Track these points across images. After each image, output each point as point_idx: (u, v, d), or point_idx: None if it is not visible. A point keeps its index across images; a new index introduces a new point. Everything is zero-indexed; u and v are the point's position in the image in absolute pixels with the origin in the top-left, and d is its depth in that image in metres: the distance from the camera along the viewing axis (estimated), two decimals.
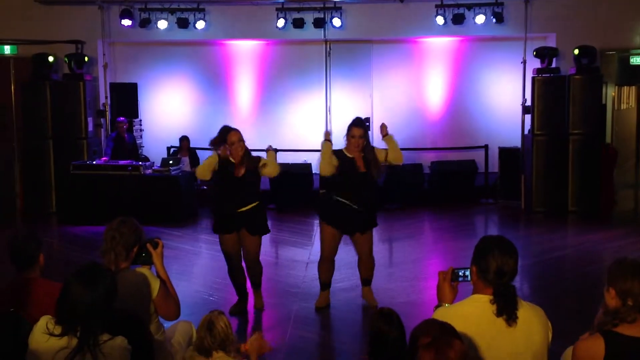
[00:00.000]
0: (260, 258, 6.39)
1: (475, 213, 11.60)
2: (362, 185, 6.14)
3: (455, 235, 9.88)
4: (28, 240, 3.87)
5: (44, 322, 2.96)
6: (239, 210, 6.06)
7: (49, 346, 2.91)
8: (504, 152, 12.03)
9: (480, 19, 12.22)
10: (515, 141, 12.17)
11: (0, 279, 3.93)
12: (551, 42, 12.23)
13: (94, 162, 10.77)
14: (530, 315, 3.03)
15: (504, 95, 13.11)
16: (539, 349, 3.04)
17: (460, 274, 3.27)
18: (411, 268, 7.95)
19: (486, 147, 12.42)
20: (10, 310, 3.49)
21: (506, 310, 2.95)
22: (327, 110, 13.44)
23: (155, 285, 3.77)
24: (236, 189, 6.08)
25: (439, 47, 13.49)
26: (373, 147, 6.28)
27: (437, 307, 3.25)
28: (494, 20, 12.19)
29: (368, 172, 6.13)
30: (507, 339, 2.95)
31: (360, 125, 6.21)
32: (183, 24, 12.49)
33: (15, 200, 11.80)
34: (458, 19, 12.25)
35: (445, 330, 2.51)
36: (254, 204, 6.13)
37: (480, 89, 13.45)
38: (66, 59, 11.86)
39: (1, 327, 3.35)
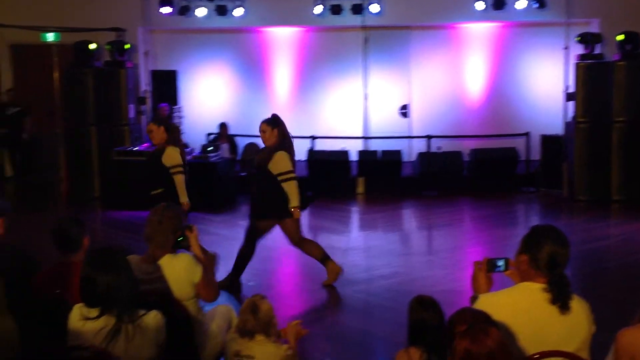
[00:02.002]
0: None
1: (516, 201, 11.44)
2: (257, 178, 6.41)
3: (495, 223, 9.77)
4: (72, 225, 3.95)
5: (77, 311, 3.09)
6: None
7: (88, 328, 3.03)
8: (546, 139, 11.82)
9: (521, 4, 12.00)
10: (557, 128, 11.96)
11: (45, 263, 4.02)
12: (594, 28, 11.97)
13: (136, 149, 10.92)
14: (579, 307, 3.04)
15: (546, 82, 12.88)
16: (585, 339, 3.04)
17: (497, 264, 3.24)
18: (450, 256, 7.90)
19: (527, 134, 12.24)
20: (56, 293, 3.57)
21: (560, 298, 2.97)
22: (365, 97, 13.38)
23: (198, 270, 3.85)
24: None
25: (478, 33, 13.30)
26: (276, 151, 6.25)
27: (472, 297, 3.23)
28: (536, 5, 11.96)
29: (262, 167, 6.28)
30: (557, 327, 2.96)
31: (265, 121, 6.43)
32: (222, 11, 12.55)
33: (60, 186, 12.04)
34: (498, 4, 12.05)
35: (481, 318, 2.50)
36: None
37: (521, 75, 13.24)
38: (108, 47, 12.01)
39: (46, 309, 3.43)
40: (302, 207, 6.40)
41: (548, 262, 2.99)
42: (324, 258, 6.59)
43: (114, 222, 9.92)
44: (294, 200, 6.20)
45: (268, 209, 6.38)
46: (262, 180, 6.34)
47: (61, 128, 12.07)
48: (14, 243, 3.94)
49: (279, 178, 6.19)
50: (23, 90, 13.03)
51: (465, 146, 12.57)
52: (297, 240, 6.50)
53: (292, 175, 6.22)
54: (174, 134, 6.75)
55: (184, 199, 6.50)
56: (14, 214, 3.94)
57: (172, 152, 6.55)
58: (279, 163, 6.20)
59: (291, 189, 6.19)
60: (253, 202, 6.67)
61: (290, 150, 6.34)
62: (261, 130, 6.35)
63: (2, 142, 12.46)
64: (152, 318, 3.11)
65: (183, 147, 7.01)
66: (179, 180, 6.53)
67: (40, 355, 3.09)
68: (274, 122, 6.37)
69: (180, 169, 6.57)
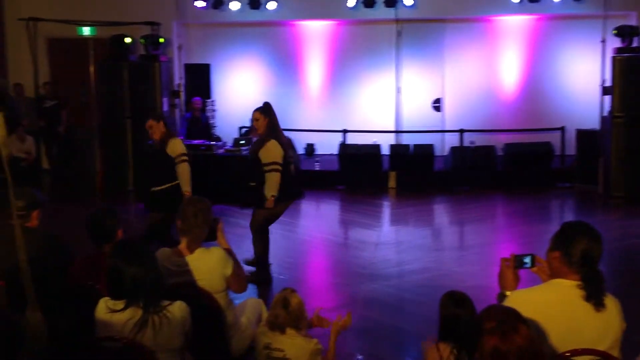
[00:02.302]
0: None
1: (551, 197, 11.30)
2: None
3: (529, 219, 9.66)
4: (107, 217, 4.01)
5: (103, 304, 3.14)
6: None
7: (116, 320, 3.08)
8: (582, 134, 11.63)
9: None
10: (593, 123, 11.76)
11: (79, 254, 4.08)
12: (632, 21, 11.73)
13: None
14: (612, 304, 3.01)
15: (582, 76, 12.67)
16: (617, 337, 3.00)
17: (524, 260, 3.20)
18: (481, 252, 7.83)
19: (562, 129, 12.06)
20: (89, 284, 3.63)
21: (596, 295, 2.93)
22: (397, 91, 13.31)
23: (230, 263, 3.89)
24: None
25: (514, 25, 13.13)
26: (268, 140, 6.32)
27: (499, 294, 3.20)
28: None
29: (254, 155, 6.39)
30: (592, 324, 2.93)
31: (257, 109, 6.45)
32: (255, 4, 12.59)
33: (95, 178, 12.20)
34: None
35: (511, 315, 2.46)
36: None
37: (556, 68, 13.04)
38: (142, 40, 12.14)
39: (80, 300, 3.48)
40: (287, 199, 6.48)
41: (581, 258, 2.96)
42: (260, 260, 6.61)
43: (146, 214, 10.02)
44: (272, 190, 6.29)
45: (258, 198, 6.44)
46: (254, 169, 6.44)
47: (96, 121, 12.23)
48: (50, 233, 4.00)
49: (265, 168, 6.29)
50: (60, 83, 13.22)
51: (499, 140, 12.43)
52: (257, 228, 6.55)
53: (277, 167, 6.30)
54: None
55: (186, 188, 6.68)
56: (49, 205, 4.00)
57: (176, 142, 6.80)
58: (269, 152, 6.31)
59: (272, 180, 6.29)
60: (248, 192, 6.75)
61: (281, 140, 6.42)
62: (254, 119, 6.47)
63: (40, 134, 12.66)
64: (177, 308, 3.15)
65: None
66: (184, 168, 6.73)
67: (71, 346, 3.14)
68: (266, 111, 6.44)
69: (186, 157, 6.78)
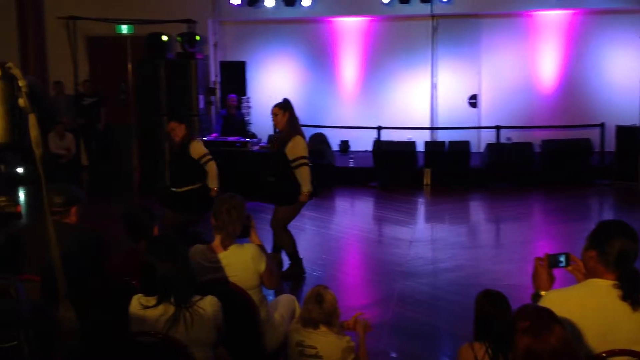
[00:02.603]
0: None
1: (589, 194, 11.10)
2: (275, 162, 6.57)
3: (567, 217, 9.51)
4: (143, 214, 4.06)
5: (136, 302, 3.18)
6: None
7: (148, 316, 3.12)
8: (622, 130, 11.40)
9: None
10: (634, 119, 11.53)
11: (116, 250, 4.14)
12: None
13: (204, 139, 11.09)
14: None
15: (621, 71, 12.43)
16: None
17: (559, 259, 3.16)
18: (518, 250, 7.74)
19: (602, 125, 11.84)
20: (125, 280, 3.68)
21: (632, 295, 2.87)
22: (433, 87, 13.22)
23: (264, 259, 3.91)
24: None
25: (552, 20, 12.93)
26: (294, 136, 6.38)
27: (534, 294, 3.16)
28: None
29: (280, 151, 6.41)
30: (628, 324, 2.87)
31: (277, 105, 6.53)
32: (289, 1, 12.63)
33: (132, 175, 12.37)
34: None
35: (545, 315, 2.43)
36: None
37: (595, 64, 12.81)
38: (179, 38, 12.26)
39: (116, 296, 3.54)
40: (312, 195, 6.52)
41: (618, 257, 2.90)
42: (293, 255, 6.66)
43: None
44: (306, 184, 6.33)
45: (285, 195, 6.50)
46: (278, 165, 6.49)
47: (134, 118, 12.39)
48: (88, 229, 4.07)
49: (293, 164, 6.33)
50: (98, 81, 13.43)
51: (536, 137, 12.26)
52: (279, 226, 6.57)
53: (306, 161, 6.36)
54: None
55: (214, 185, 6.77)
56: (88, 201, 4.08)
57: (196, 144, 6.88)
58: (296, 147, 6.36)
59: (304, 175, 6.34)
60: (271, 189, 6.79)
61: (297, 129, 6.51)
62: (273, 114, 6.54)
63: (79, 132, 12.88)
64: (209, 303, 3.18)
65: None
66: (212, 166, 6.82)
67: (106, 342, 3.19)
68: (285, 106, 6.52)
69: (209, 156, 6.87)
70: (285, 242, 6.62)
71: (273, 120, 6.59)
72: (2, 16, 13.03)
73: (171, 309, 3.11)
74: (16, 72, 1.81)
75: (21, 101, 1.83)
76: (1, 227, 2.09)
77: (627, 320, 2.87)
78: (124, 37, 13.03)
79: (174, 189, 6.96)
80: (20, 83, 1.81)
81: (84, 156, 13.41)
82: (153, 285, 3.14)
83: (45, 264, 2.89)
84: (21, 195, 10.85)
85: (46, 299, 2.78)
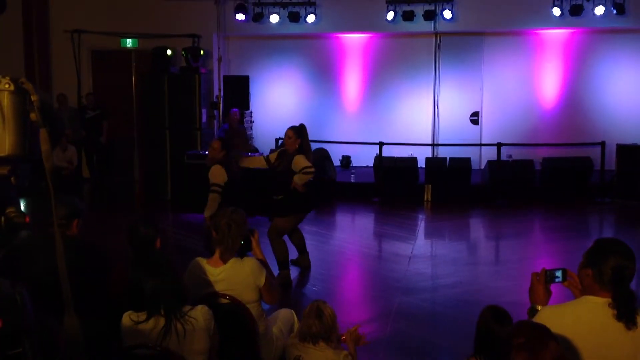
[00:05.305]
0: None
1: (590, 212, 11.12)
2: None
3: (567, 235, 9.52)
4: (146, 226, 4.09)
5: (127, 318, 3.20)
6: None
7: (140, 329, 3.15)
8: (622, 149, 11.44)
9: (599, 10, 11.70)
10: (635, 138, 11.58)
11: (119, 262, 4.17)
12: None
13: (207, 152, 11.14)
14: None
15: (622, 90, 12.50)
16: None
17: (555, 274, 3.19)
18: (517, 267, 7.74)
19: (603, 143, 11.88)
20: (123, 292, 3.70)
21: (626, 314, 2.89)
22: (435, 104, 13.28)
23: (263, 273, 3.93)
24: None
25: (554, 39, 13.01)
26: (296, 154, 6.78)
27: (530, 309, 3.18)
28: (615, 11, 11.62)
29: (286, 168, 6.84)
30: (622, 343, 2.89)
31: (292, 128, 6.90)
32: (294, 17, 12.73)
33: (134, 187, 12.40)
34: (576, 10, 11.78)
35: (540, 331, 2.45)
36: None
37: (597, 83, 12.87)
38: (183, 53, 12.35)
39: (118, 307, 3.56)
40: (305, 210, 6.96)
41: (613, 276, 2.92)
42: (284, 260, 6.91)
43: (183, 224, 10.17)
44: (302, 180, 6.74)
45: (291, 207, 6.85)
46: (281, 183, 6.84)
47: (137, 131, 12.44)
48: (89, 242, 4.11)
49: (303, 172, 6.70)
50: (102, 94, 13.50)
51: (537, 155, 12.32)
52: (276, 234, 6.85)
53: (312, 169, 6.78)
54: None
55: (207, 213, 6.77)
56: (89, 214, 4.11)
57: (215, 170, 6.93)
58: (300, 162, 6.75)
59: (306, 178, 6.76)
60: (272, 202, 7.05)
61: (308, 156, 6.88)
62: (287, 136, 6.87)
63: (81, 144, 12.93)
64: (200, 312, 3.20)
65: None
66: (212, 197, 6.81)
67: (105, 353, 3.21)
68: (300, 132, 6.85)
69: (216, 187, 6.83)
70: (278, 250, 6.82)
71: (285, 140, 6.88)
72: (8, 28, 13.13)
73: (162, 321, 3.13)
74: (29, 86, 1.85)
75: (33, 115, 1.87)
76: (10, 237, 2.12)
77: (621, 339, 2.89)
78: (128, 51, 13.13)
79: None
80: (33, 98, 1.85)
81: (85, 169, 13.45)
82: (142, 302, 3.16)
83: (45, 273, 2.91)
84: (22, 206, 10.87)
85: (50, 309, 2.80)
